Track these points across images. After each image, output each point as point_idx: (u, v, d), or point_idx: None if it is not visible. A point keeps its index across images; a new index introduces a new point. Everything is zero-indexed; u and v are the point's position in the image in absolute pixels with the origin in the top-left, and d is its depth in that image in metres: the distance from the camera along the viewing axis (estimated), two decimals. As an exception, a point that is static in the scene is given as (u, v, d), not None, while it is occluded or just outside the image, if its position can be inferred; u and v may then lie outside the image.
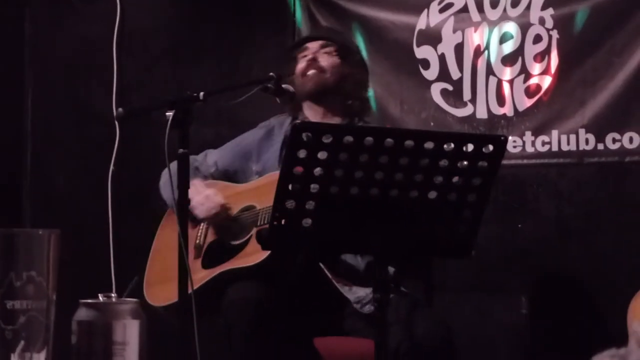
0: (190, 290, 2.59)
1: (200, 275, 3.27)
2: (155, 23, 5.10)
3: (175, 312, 2.76)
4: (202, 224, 3.44)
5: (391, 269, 3.26)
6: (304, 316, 3.21)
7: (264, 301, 3.03)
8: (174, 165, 2.69)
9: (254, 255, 3.13)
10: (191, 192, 2.70)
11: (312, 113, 3.55)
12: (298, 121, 3.41)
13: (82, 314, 1.38)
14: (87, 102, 5.09)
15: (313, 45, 3.58)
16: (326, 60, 3.53)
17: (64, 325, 1.44)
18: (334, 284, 3.23)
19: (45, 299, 1.35)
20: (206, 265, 3.33)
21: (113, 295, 1.44)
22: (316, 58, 3.53)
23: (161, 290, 3.32)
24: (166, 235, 3.49)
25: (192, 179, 3.10)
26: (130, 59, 5.10)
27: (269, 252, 3.07)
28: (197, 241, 3.41)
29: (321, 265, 3.23)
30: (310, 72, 3.51)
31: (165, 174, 3.40)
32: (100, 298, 1.44)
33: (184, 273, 2.64)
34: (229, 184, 3.52)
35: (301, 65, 3.55)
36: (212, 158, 3.62)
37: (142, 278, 3.49)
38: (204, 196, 3.39)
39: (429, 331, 3.03)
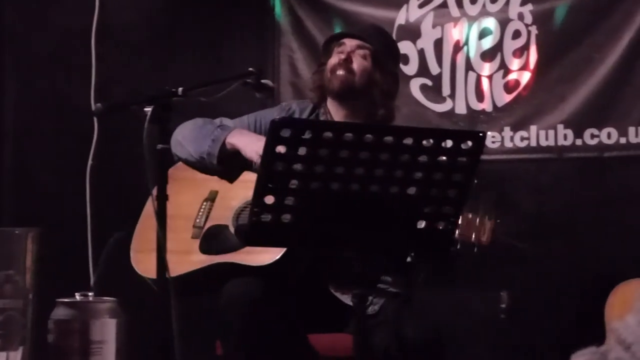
0: (168, 280, 2.59)
1: (197, 259, 3.23)
2: (135, 16, 5.08)
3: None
4: (203, 203, 3.38)
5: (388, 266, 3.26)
6: (303, 315, 3.21)
7: (263, 299, 3.02)
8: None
9: (260, 255, 3.11)
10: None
11: (334, 110, 3.49)
12: (277, 117, 3.39)
13: (59, 312, 1.38)
14: (66, 95, 5.07)
15: (350, 43, 3.49)
16: (358, 63, 3.46)
17: (42, 323, 1.43)
18: (332, 293, 3.24)
19: (23, 297, 1.34)
20: (204, 250, 3.28)
21: (90, 294, 1.43)
22: (350, 58, 3.46)
23: (150, 261, 3.26)
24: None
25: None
26: (110, 52, 5.08)
27: (277, 256, 3.05)
28: (197, 221, 3.35)
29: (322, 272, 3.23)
30: (340, 72, 3.44)
31: (181, 130, 3.35)
32: (78, 297, 1.42)
33: (162, 267, 2.65)
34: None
35: (333, 60, 3.47)
36: (229, 123, 3.56)
37: (127, 239, 3.41)
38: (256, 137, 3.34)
39: (419, 333, 3.03)
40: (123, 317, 1.26)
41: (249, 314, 3.00)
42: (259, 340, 3.00)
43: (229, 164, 3.33)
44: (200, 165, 3.35)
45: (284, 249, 3.06)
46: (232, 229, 3.28)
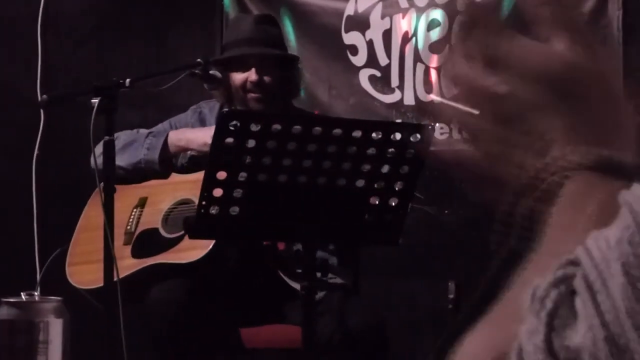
0: (115, 278, 2.58)
1: (128, 263, 3.23)
2: (81, 4, 5.03)
3: (100, 298, 2.75)
4: (133, 210, 3.39)
5: (333, 259, 3.26)
6: (242, 309, 3.20)
7: (189, 302, 3.01)
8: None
9: (188, 251, 3.10)
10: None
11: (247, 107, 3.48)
12: (226, 109, 3.38)
13: (3, 312, 1.36)
14: (10, 85, 5.00)
15: (250, 61, 3.46)
16: (267, 76, 3.43)
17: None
18: (279, 275, 3.23)
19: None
20: (136, 254, 3.29)
21: (36, 293, 1.41)
22: (258, 77, 3.42)
23: (85, 272, 3.27)
24: (93, 214, 3.44)
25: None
26: (55, 40, 5.02)
27: (204, 251, 3.04)
28: (128, 227, 3.36)
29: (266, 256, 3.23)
30: (252, 95, 3.38)
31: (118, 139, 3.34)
32: (23, 296, 1.40)
33: (109, 262, 2.63)
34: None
35: (240, 76, 3.44)
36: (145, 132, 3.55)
37: (66, 252, 3.42)
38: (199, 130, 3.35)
39: (362, 321, 3.04)
40: (69, 316, 1.24)
41: (172, 317, 2.99)
42: (185, 344, 3.01)
43: (168, 166, 3.36)
44: (134, 174, 3.35)
45: (211, 245, 3.05)
46: (161, 231, 3.29)
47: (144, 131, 3.48)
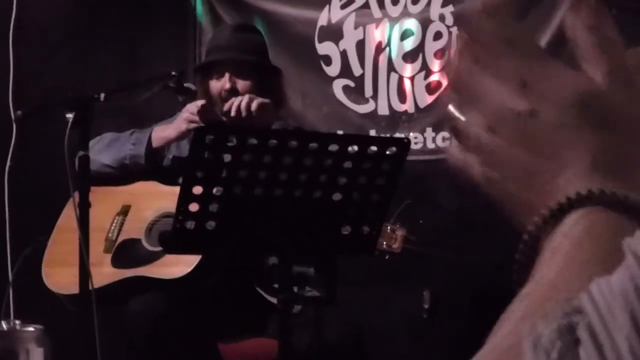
0: (91, 288, 2.57)
1: (108, 272, 3.21)
2: (52, 13, 5.00)
3: (76, 304, 2.74)
4: (116, 217, 3.36)
5: (310, 270, 3.26)
6: (219, 322, 3.19)
7: (167, 316, 3.00)
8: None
9: (171, 267, 3.09)
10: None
11: None
12: (201, 124, 3.37)
13: (-17, 341, 1.35)
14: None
15: (224, 67, 3.45)
16: (241, 84, 3.43)
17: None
18: (256, 290, 3.23)
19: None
20: (116, 264, 3.26)
21: (17, 322, 1.40)
22: (231, 84, 3.41)
23: (61, 275, 3.25)
24: (71, 216, 3.41)
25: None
26: (26, 50, 4.99)
27: (188, 268, 3.04)
28: (110, 235, 3.33)
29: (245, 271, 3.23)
30: (228, 108, 3.36)
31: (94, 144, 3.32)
32: (4, 325, 1.40)
33: (84, 275, 2.62)
34: (156, 183, 3.43)
35: (217, 84, 3.43)
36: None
37: (41, 251, 3.39)
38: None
39: (339, 333, 3.05)
40: (49, 344, 1.23)
41: (150, 330, 2.99)
42: (163, 358, 3.00)
43: (153, 161, 3.38)
44: (119, 172, 3.35)
45: (196, 261, 3.04)
46: (144, 242, 3.27)
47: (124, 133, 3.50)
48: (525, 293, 0.65)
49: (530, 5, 4.40)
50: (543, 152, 0.68)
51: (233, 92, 3.39)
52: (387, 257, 3.15)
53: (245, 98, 3.30)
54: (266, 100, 3.31)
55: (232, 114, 3.28)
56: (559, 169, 0.67)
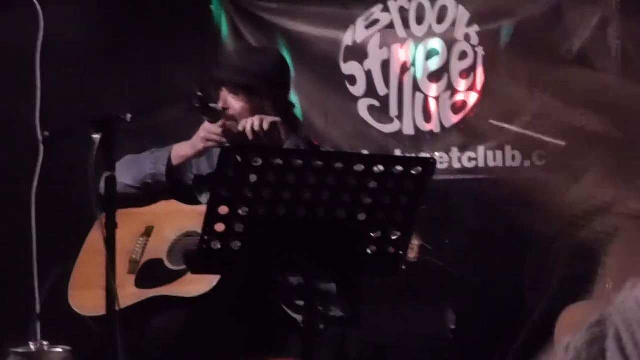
0: (116, 319, 2.57)
1: (131, 292, 3.22)
2: (78, 34, 5.02)
3: (102, 325, 2.74)
4: (139, 238, 3.37)
5: (332, 286, 3.26)
6: (242, 340, 3.19)
7: (189, 333, 3.01)
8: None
9: (192, 285, 3.09)
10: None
11: None
12: (227, 145, 3.37)
13: (12, 363, 1.35)
14: (8, 115, 4.99)
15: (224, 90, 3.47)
16: (236, 104, 3.43)
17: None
18: (280, 307, 3.23)
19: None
20: (140, 284, 3.28)
21: (45, 343, 1.41)
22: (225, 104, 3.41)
23: (86, 298, 3.26)
24: (98, 238, 3.42)
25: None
26: (52, 71, 5.01)
27: (209, 286, 3.04)
28: (134, 256, 3.35)
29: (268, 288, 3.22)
30: (243, 129, 3.37)
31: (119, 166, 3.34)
32: (32, 346, 1.40)
33: (111, 296, 2.63)
34: (177, 202, 3.44)
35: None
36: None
37: (67, 273, 3.41)
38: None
39: (362, 353, 3.04)
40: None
41: (170, 349, 2.99)
42: None
43: (175, 179, 3.38)
44: (142, 192, 3.36)
45: (217, 279, 3.04)
46: (166, 262, 3.28)
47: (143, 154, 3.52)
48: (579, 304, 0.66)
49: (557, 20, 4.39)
50: (589, 159, 0.68)
51: (229, 110, 3.39)
52: (403, 267, 3.13)
53: (256, 120, 3.29)
54: (276, 119, 3.30)
55: (250, 137, 3.27)
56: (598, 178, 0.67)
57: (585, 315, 0.63)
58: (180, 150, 3.40)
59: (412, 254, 3.20)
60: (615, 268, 0.65)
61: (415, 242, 3.19)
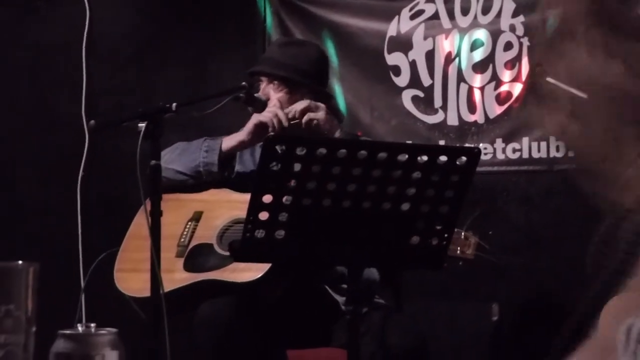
0: (162, 302, 2.59)
1: (180, 277, 3.24)
2: (123, 28, 5.06)
3: (146, 307, 2.76)
4: (188, 223, 3.40)
5: (376, 275, 3.27)
6: (289, 330, 3.21)
7: (237, 321, 3.02)
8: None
9: (244, 272, 3.11)
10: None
11: None
12: (272, 133, 3.39)
13: (60, 345, 1.36)
14: (53, 107, 5.03)
15: (264, 82, 3.52)
16: (275, 94, 3.48)
17: (43, 356, 1.42)
18: (325, 296, 3.24)
19: (24, 332, 1.32)
20: (189, 268, 3.29)
21: (92, 325, 1.42)
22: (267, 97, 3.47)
23: (132, 279, 3.29)
24: (142, 224, 3.45)
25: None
26: (97, 64, 5.06)
27: (260, 273, 3.06)
28: (182, 239, 3.37)
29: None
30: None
31: (166, 153, 3.37)
32: (80, 328, 1.41)
33: (156, 281, 2.65)
34: (228, 190, 3.48)
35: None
36: None
37: (112, 258, 3.44)
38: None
39: (403, 341, 3.03)
40: (123, 348, 1.24)
41: (219, 336, 3.00)
42: None
43: (226, 169, 3.42)
44: (194, 180, 3.39)
45: (268, 267, 3.06)
46: (216, 248, 3.30)
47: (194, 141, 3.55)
48: (628, 287, 0.66)
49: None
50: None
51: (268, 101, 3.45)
52: (460, 264, 3.13)
53: (302, 103, 3.34)
54: (320, 105, 3.35)
55: (285, 123, 3.32)
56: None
57: (632, 304, 0.63)
58: (232, 139, 3.43)
59: (469, 250, 3.19)
60: None
61: (472, 240, 3.18)
